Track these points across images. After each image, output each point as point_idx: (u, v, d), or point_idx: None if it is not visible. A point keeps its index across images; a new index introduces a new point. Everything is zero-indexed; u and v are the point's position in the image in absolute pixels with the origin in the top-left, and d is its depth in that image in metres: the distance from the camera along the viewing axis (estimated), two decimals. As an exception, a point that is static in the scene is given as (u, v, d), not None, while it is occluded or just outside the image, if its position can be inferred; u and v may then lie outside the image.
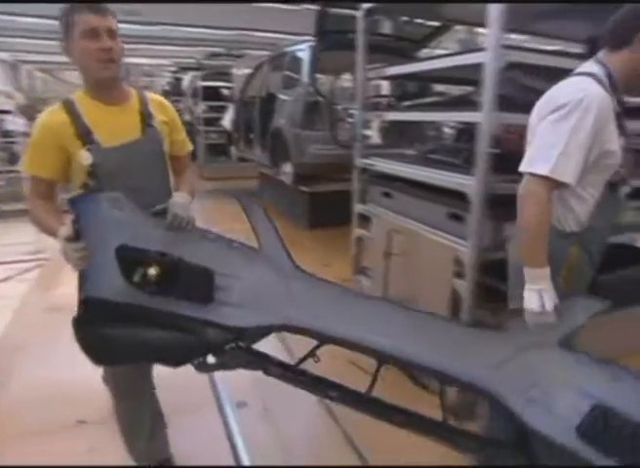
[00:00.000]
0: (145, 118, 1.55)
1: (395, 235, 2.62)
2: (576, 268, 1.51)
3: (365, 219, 3.06)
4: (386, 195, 2.82)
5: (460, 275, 2.15)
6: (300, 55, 5.04)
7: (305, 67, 4.87)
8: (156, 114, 1.59)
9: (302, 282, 1.22)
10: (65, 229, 1.27)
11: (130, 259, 1.03)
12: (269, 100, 5.60)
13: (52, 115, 1.45)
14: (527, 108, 2.28)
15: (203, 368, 1.15)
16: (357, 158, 3.08)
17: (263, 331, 1.05)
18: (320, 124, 4.74)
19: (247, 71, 6.94)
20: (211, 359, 1.16)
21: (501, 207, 2.11)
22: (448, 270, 2.19)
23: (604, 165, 1.41)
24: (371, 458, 2.01)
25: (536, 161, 1.37)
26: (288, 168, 5.21)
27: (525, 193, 1.40)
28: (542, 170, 1.34)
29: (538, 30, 3.28)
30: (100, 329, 1.05)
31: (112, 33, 1.41)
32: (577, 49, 3.20)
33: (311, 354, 1.18)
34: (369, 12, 2.91)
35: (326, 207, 5.20)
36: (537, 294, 1.33)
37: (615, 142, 1.38)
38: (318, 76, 5.02)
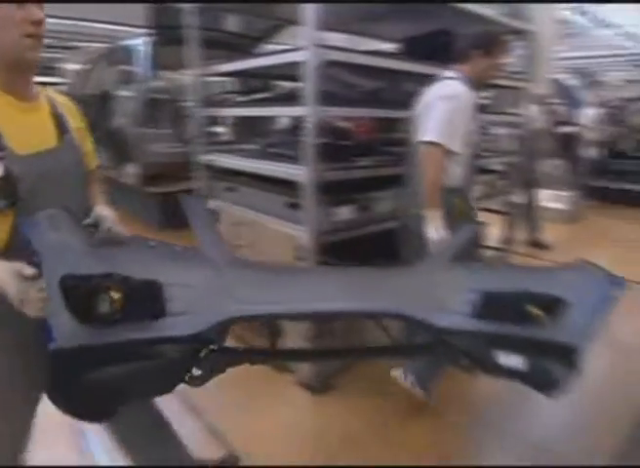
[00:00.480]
0: (60, 122, 1.26)
1: (241, 227, 2.68)
2: (463, 213, 2.09)
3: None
4: (231, 189, 2.86)
5: (301, 259, 2.29)
6: (138, 49, 4.81)
7: (144, 62, 4.67)
8: (69, 118, 1.31)
9: (243, 270, 1.26)
10: (27, 267, 0.99)
11: (80, 289, 0.89)
12: (107, 98, 5.26)
13: None
14: (350, 102, 2.51)
15: (195, 382, 1.07)
16: (200, 155, 3.07)
17: (217, 330, 1.00)
18: (164, 121, 4.60)
19: (80, 66, 6.41)
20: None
21: (334, 193, 2.30)
22: (290, 255, 2.32)
23: (468, 140, 2.00)
24: (232, 441, 2.06)
25: (431, 133, 1.91)
26: (132, 169, 4.95)
27: (424, 156, 1.95)
28: (437, 139, 1.90)
29: (360, 31, 3.57)
30: (84, 382, 0.92)
31: (40, 4, 1.10)
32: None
33: (277, 334, 1.30)
34: (203, 8, 2.90)
35: (176, 207, 5.02)
36: (435, 228, 1.89)
37: (474, 124, 2.01)
38: (160, 72, 4.85)
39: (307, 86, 2.10)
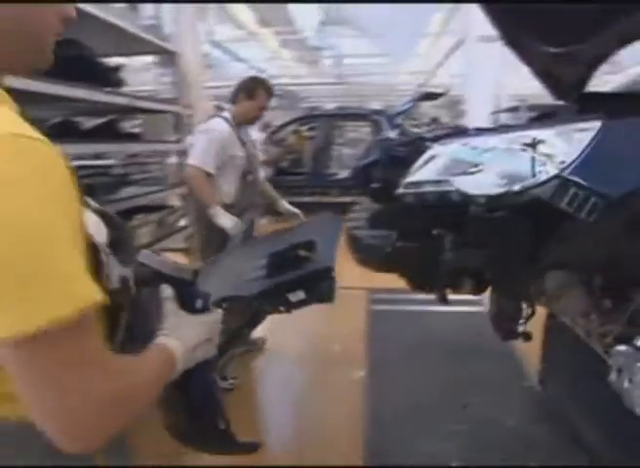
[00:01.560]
0: None
1: None
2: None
3: None
4: None
5: None
6: None
7: None
8: None
9: None
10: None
11: None
12: None
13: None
14: None
15: None
16: None
17: None
18: None
19: None
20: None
21: None
22: None
23: (232, 163, 2.43)
24: None
25: (192, 159, 2.38)
26: None
27: (188, 174, 2.43)
28: (196, 163, 2.37)
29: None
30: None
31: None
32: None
33: None
34: None
35: None
36: (225, 218, 2.30)
37: (238, 151, 2.45)
38: None
39: None
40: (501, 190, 1.16)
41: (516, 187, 1.13)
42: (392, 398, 2.48)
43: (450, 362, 2.82)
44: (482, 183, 1.22)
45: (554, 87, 2.13)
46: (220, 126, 2.44)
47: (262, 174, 2.88)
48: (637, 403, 1.16)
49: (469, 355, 2.85)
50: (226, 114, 2.52)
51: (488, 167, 1.24)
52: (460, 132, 1.83)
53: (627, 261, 1.27)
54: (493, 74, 7.93)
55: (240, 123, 2.50)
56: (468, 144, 1.35)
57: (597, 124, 1.09)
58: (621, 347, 1.24)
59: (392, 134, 5.34)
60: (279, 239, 1.69)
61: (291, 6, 10.20)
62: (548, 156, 1.15)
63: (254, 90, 2.45)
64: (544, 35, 1.80)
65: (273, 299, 1.23)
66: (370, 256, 1.64)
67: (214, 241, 2.42)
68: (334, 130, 7.54)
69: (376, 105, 13.03)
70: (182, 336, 0.69)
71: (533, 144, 1.20)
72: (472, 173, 1.25)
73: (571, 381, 2.17)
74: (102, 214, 0.66)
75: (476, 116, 8.30)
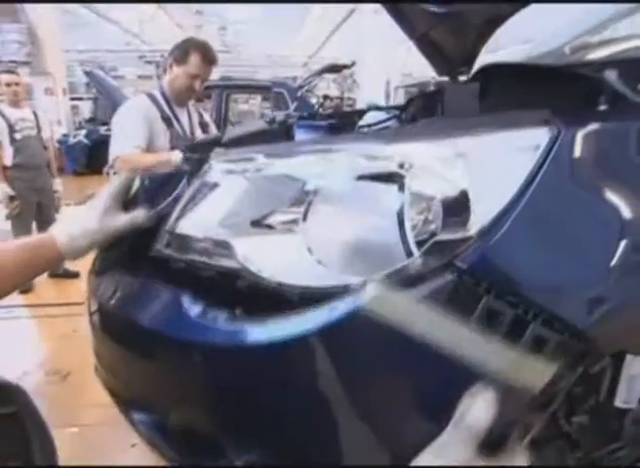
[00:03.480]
0: None
1: None
2: None
3: None
4: None
5: None
6: None
7: None
8: None
9: None
10: None
11: None
12: None
13: None
14: None
15: None
16: None
17: None
18: None
19: None
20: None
21: None
22: None
23: (152, 148, 1.96)
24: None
25: (114, 147, 1.94)
26: None
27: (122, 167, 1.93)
28: (117, 152, 1.90)
29: None
30: None
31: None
32: None
33: None
34: None
35: None
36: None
37: (159, 132, 1.97)
38: None
39: None
40: (337, 282, 0.56)
41: (370, 279, 0.53)
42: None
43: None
44: (292, 261, 0.60)
45: (436, 58, 1.60)
46: (138, 102, 2.05)
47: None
48: None
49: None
50: (155, 91, 2.13)
51: (311, 223, 0.61)
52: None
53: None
54: (384, 47, 7.51)
55: (172, 96, 2.06)
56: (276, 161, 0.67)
57: (543, 133, 0.52)
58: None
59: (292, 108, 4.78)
60: None
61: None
62: (428, 208, 0.57)
63: (185, 53, 2.00)
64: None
65: None
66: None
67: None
68: (229, 103, 6.56)
69: (263, 75, 12.19)
70: None
71: (399, 174, 0.60)
72: (274, 230, 0.62)
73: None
74: None
75: (369, 90, 7.87)
